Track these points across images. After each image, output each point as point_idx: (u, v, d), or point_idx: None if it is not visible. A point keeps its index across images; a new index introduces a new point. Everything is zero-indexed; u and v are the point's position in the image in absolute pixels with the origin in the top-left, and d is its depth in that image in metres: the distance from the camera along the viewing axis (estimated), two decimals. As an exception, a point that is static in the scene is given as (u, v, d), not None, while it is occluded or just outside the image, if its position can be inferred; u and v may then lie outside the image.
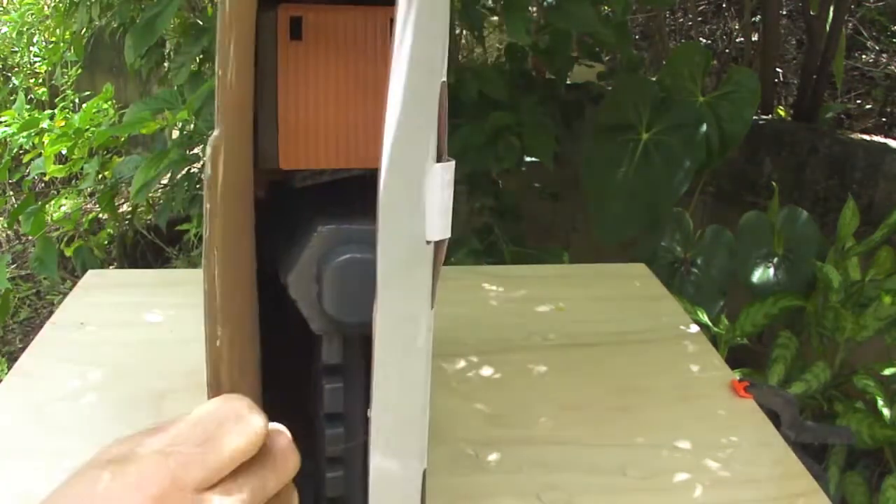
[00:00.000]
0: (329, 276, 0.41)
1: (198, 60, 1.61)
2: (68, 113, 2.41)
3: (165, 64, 1.97)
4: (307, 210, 0.45)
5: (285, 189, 0.45)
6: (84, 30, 2.55)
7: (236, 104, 0.37)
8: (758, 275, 1.41)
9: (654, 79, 1.52)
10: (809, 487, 0.65)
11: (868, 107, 2.05)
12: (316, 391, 0.49)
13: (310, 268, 0.42)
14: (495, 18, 2.07)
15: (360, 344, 0.46)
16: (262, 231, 0.42)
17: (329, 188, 0.45)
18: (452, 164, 0.40)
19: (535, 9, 1.73)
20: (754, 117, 1.51)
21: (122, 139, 2.30)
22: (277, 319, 0.45)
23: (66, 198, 2.57)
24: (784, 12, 2.20)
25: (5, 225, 2.99)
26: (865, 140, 1.57)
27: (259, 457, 0.36)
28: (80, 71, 3.23)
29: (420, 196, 0.39)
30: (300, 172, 0.43)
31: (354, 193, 0.46)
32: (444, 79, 0.38)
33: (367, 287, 0.41)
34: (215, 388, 0.42)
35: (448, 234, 0.41)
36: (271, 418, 0.47)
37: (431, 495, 0.55)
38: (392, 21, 0.38)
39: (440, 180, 0.40)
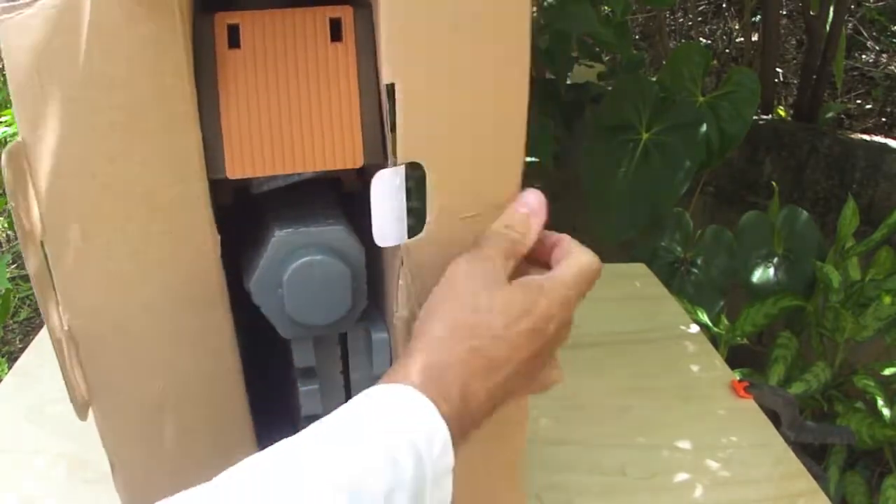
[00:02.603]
0: (289, 281, 0.41)
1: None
2: (68, 113, 2.41)
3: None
4: (266, 215, 0.45)
5: (247, 194, 0.44)
6: (84, 30, 2.55)
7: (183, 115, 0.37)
8: (758, 275, 1.41)
9: (654, 79, 1.52)
10: (809, 487, 0.65)
11: (868, 107, 2.05)
12: (293, 394, 0.49)
13: (270, 273, 0.42)
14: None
15: (332, 343, 0.46)
16: (228, 238, 0.41)
17: (288, 192, 0.44)
18: (402, 168, 0.39)
19: (535, 9, 1.73)
20: (754, 117, 1.51)
21: (122, 139, 2.30)
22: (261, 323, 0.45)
23: (66, 198, 2.57)
24: (784, 12, 2.20)
25: (5, 225, 2.99)
26: (865, 140, 1.57)
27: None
28: (80, 71, 3.23)
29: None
30: (255, 179, 0.42)
31: (313, 195, 0.46)
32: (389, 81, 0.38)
33: (328, 288, 0.41)
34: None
35: (404, 240, 0.41)
36: (259, 423, 0.48)
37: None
38: (332, 20, 0.39)
39: (390, 186, 0.39)
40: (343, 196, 0.47)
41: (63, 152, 0.36)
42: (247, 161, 0.39)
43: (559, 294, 0.41)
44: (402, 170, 0.39)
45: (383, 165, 0.41)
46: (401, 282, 0.42)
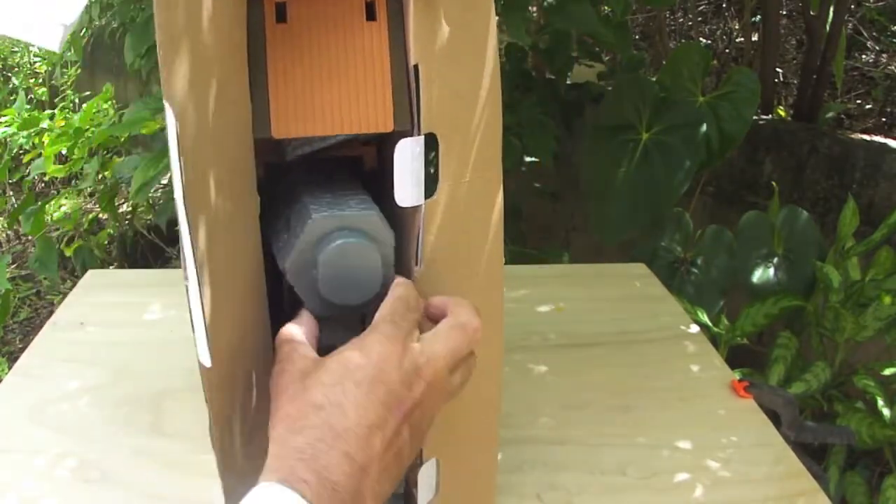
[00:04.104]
0: (324, 262, 0.44)
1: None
2: (68, 113, 2.41)
3: (165, 64, 1.96)
4: (301, 195, 0.48)
5: (280, 170, 0.49)
6: (84, 30, 2.55)
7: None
8: (758, 275, 1.41)
9: (654, 79, 1.51)
10: (809, 487, 0.65)
11: (868, 107, 2.04)
12: None
13: (305, 255, 0.45)
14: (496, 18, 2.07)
15: (355, 322, 0.48)
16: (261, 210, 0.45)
17: (320, 172, 0.49)
18: (421, 138, 0.45)
19: (535, 9, 1.73)
20: (754, 117, 1.51)
21: (122, 139, 2.29)
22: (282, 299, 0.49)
23: (66, 198, 2.57)
24: (784, 12, 2.20)
25: (5, 225, 2.99)
26: (865, 140, 1.57)
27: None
28: (79, 71, 3.23)
29: None
30: (291, 143, 0.47)
31: (340, 176, 0.50)
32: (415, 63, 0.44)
33: (362, 273, 0.45)
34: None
35: (422, 201, 0.46)
36: None
37: (431, 495, 0.55)
38: (367, 4, 0.44)
39: (411, 152, 0.45)
40: (364, 174, 0.51)
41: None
42: (291, 123, 0.44)
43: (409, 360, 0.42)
44: (421, 140, 0.44)
45: (409, 133, 0.45)
46: (421, 239, 0.46)
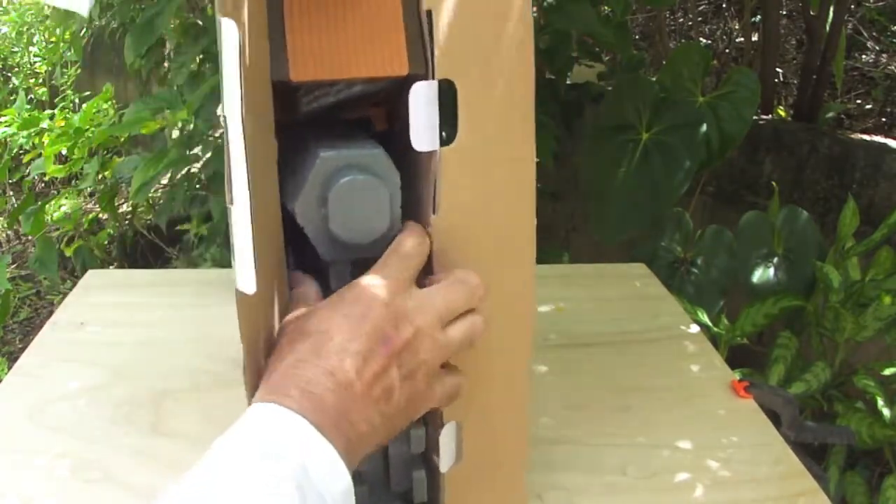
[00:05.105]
0: (333, 198, 0.45)
1: (198, 60, 1.61)
2: (68, 113, 2.41)
3: (165, 64, 1.97)
4: (309, 142, 0.48)
5: (290, 128, 0.48)
6: (84, 30, 2.56)
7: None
8: (758, 275, 1.41)
9: (654, 79, 1.52)
10: (809, 487, 0.65)
11: (868, 107, 2.04)
12: None
13: (314, 193, 0.45)
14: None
15: (366, 270, 0.48)
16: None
17: (327, 127, 0.49)
18: (435, 82, 0.45)
19: (535, 9, 1.73)
20: (754, 117, 1.51)
21: (122, 139, 2.30)
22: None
23: (66, 198, 2.57)
24: (784, 12, 2.20)
25: (5, 225, 2.99)
26: (865, 140, 1.57)
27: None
28: (79, 71, 3.23)
29: None
30: (306, 97, 0.47)
31: (349, 131, 0.51)
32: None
33: (370, 209, 0.45)
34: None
35: (437, 146, 0.46)
36: None
37: (432, 495, 0.55)
38: None
39: (425, 96, 0.45)
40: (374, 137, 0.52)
41: None
42: (309, 66, 0.44)
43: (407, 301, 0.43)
44: (435, 84, 0.45)
45: (424, 77, 0.45)
46: (437, 187, 0.46)
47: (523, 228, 0.49)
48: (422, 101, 0.45)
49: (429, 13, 0.44)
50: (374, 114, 0.54)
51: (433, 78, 0.45)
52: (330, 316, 0.42)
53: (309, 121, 0.49)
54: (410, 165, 0.47)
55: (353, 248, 0.46)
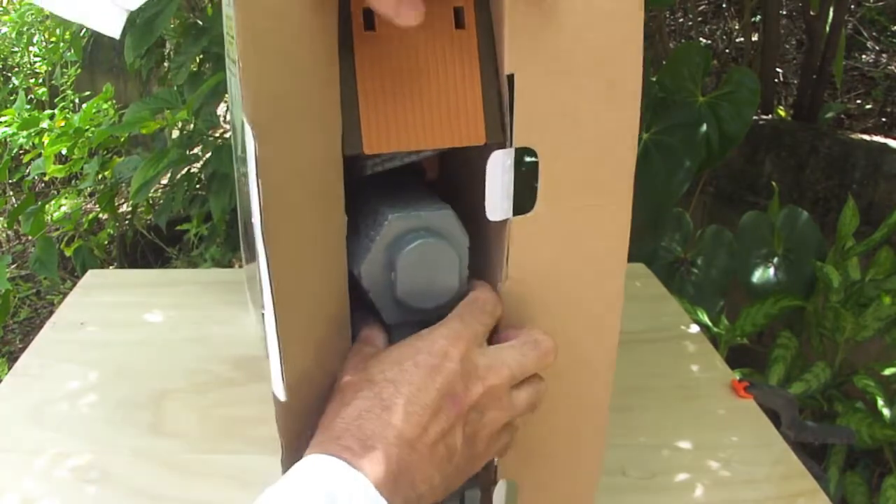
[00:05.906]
0: (402, 262, 0.43)
1: (198, 60, 1.61)
2: (68, 113, 2.41)
3: (165, 64, 1.97)
4: (370, 198, 0.46)
5: (348, 181, 0.46)
6: (84, 30, 2.55)
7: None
8: (758, 275, 1.41)
9: (654, 79, 1.52)
10: (809, 487, 0.64)
11: (868, 107, 2.04)
12: None
13: (381, 256, 0.43)
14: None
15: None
16: None
17: (388, 181, 0.47)
18: (513, 150, 0.43)
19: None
20: (754, 117, 1.51)
21: (122, 139, 2.29)
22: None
23: (66, 198, 2.57)
24: (784, 12, 2.20)
25: (5, 225, 2.99)
26: (865, 140, 1.57)
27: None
28: (79, 71, 3.23)
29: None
30: (371, 160, 0.45)
31: (408, 183, 0.49)
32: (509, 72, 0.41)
33: (439, 273, 0.43)
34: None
35: (510, 215, 0.44)
36: None
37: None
38: (456, 10, 0.42)
39: (502, 165, 0.43)
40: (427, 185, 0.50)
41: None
42: (383, 138, 0.41)
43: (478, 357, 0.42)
44: (512, 152, 0.43)
45: (503, 145, 0.43)
46: (508, 253, 0.44)
47: (607, 297, 0.47)
48: (499, 171, 0.43)
49: (510, 77, 0.41)
50: (427, 162, 0.52)
51: (511, 145, 0.42)
52: (399, 364, 0.40)
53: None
54: (480, 227, 0.45)
55: (417, 311, 0.44)
